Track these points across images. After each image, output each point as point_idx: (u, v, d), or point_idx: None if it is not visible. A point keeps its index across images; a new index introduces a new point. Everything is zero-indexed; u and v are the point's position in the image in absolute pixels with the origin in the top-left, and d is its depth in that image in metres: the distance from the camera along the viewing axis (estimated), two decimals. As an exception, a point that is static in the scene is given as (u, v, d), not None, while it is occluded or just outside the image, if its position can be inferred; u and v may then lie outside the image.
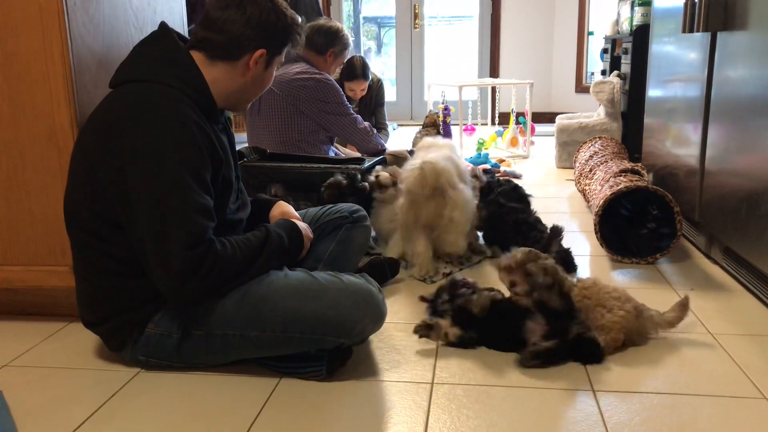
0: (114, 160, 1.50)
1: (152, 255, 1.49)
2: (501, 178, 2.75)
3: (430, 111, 5.02)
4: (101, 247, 1.59)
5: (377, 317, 1.63)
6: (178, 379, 1.63)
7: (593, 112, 4.70)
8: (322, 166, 2.76)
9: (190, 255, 1.46)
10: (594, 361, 1.66)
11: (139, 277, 1.58)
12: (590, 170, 3.25)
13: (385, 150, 3.34)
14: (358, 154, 3.47)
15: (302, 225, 1.83)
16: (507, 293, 1.82)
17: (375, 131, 3.37)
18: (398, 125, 6.73)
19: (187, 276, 1.47)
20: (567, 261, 2.30)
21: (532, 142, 5.21)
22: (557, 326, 1.67)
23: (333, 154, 3.36)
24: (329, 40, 3.25)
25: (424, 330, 1.77)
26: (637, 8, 4.15)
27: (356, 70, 4.23)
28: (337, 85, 3.19)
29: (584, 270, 2.42)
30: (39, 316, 2.01)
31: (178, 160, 1.49)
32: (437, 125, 4.86)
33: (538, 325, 1.68)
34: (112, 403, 1.53)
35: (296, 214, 1.96)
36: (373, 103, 4.57)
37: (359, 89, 4.31)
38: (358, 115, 3.29)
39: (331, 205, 2.15)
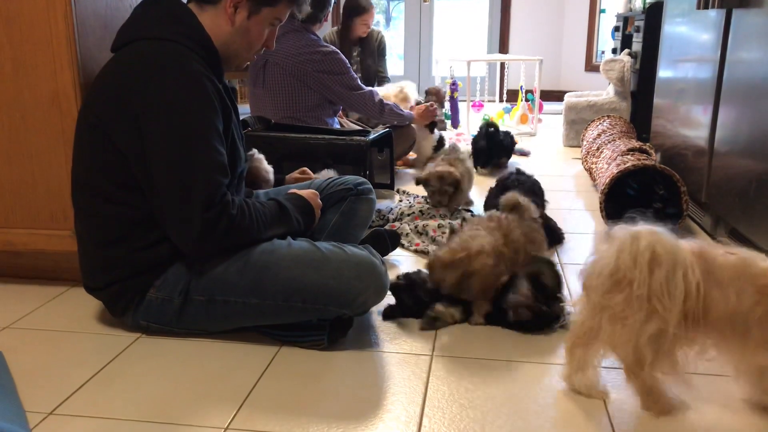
0: (129, 122, 1.50)
1: (172, 215, 1.52)
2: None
3: (434, 87, 5.01)
4: (112, 212, 1.58)
5: (379, 289, 1.63)
6: (178, 344, 1.63)
7: (602, 90, 4.65)
8: (327, 137, 2.74)
9: (208, 216, 1.49)
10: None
11: (144, 241, 1.58)
12: (597, 149, 3.22)
13: (395, 126, 3.29)
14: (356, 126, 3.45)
15: (307, 192, 1.82)
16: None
17: (393, 104, 3.31)
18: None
19: (205, 235, 1.51)
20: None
21: (540, 120, 5.17)
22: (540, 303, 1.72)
23: (338, 126, 3.34)
24: (324, 8, 3.10)
25: (430, 324, 1.73)
26: (651, -14, 4.09)
27: (363, 2, 4.25)
28: (345, 59, 3.13)
29: (588, 248, 2.40)
30: (41, 279, 2.01)
31: (194, 117, 1.50)
32: (440, 97, 4.86)
33: (520, 297, 1.69)
34: (112, 367, 1.53)
35: None
36: (377, 52, 4.58)
37: (371, 20, 4.36)
38: (373, 89, 3.24)
39: (336, 177, 2.14)
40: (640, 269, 1.21)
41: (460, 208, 2.74)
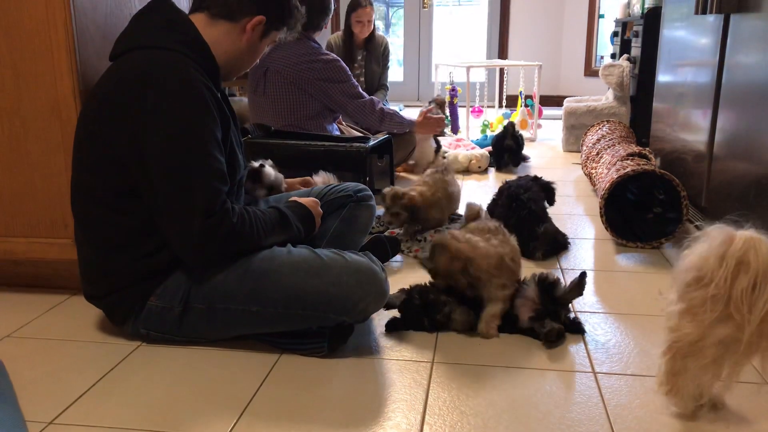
0: (128, 130, 1.50)
1: (172, 223, 1.52)
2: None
3: (438, 95, 5.02)
4: (112, 220, 1.58)
5: (380, 296, 1.63)
6: (178, 352, 1.63)
7: (602, 95, 4.65)
8: (327, 143, 2.74)
9: (209, 223, 1.49)
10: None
11: (144, 249, 1.59)
12: (597, 154, 3.22)
13: (395, 133, 3.28)
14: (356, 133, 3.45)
15: (308, 200, 1.82)
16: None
17: (393, 111, 3.31)
18: (405, 106, 6.69)
19: (205, 243, 1.51)
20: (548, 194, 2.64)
21: (540, 125, 5.18)
22: (546, 307, 1.70)
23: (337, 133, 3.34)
24: (325, 15, 3.13)
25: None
26: (649, -10, 4.10)
27: None
28: (346, 67, 3.13)
29: (588, 253, 2.40)
30: (41, 288, 2.01)
31: (192, 126, 1.50)
32: (444, 108, 4.87)
33: (527, 301, 1.70)
34: (113, 376, 1.53)
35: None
36: (381, 61, 4.58)
37: (366, 20, 4.30)
38: (373, 97, 3.24)
39: (336, 184, 2.14)
40: (724, 271, 1.17)
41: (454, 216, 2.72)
